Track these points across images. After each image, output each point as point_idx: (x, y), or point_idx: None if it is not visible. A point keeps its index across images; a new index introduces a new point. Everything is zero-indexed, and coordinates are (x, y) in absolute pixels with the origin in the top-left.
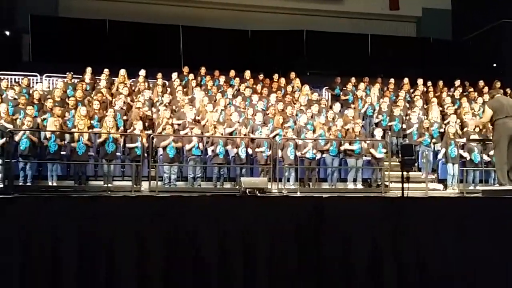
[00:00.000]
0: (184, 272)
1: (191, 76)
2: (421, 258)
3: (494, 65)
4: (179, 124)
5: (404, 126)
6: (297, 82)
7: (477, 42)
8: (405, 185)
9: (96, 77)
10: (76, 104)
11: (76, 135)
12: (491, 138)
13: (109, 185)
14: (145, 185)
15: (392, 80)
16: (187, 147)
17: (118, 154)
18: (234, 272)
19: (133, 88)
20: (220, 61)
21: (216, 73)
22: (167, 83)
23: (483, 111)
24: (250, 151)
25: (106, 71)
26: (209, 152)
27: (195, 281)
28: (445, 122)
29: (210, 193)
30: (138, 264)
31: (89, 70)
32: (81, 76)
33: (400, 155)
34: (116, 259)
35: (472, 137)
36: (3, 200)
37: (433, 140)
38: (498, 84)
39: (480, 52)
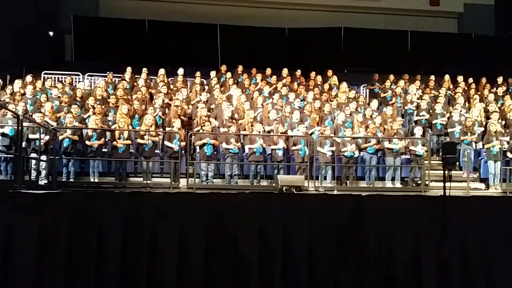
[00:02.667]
0: (224, 267)
1: (229, 74)
2: (464, 258)
3: None
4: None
5: (445, 123)
6: (334, 79)
7: None
8: (447, 184)
9: (136, 76)
10: (116, 103)
11: (117, 133)
12: None
13: (148, 181)
14: (183, 182)
15: (432, 77)
16: (225, 145)
17: (157, 151)
18: (273, 269)
19: (171, 86)
20: (257, 59)
21: (253, 71)
22: (205, 81)
23: None
24: (287, 148)
25: (144, 70)
26: (246, 150)
27: (235, 276)
28: (488, 119)
29: (247, 190)
30: (179, 257)
31: (129, 69)
32: (121, 75)
33: (441, 153)
34: (158, 253)
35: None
36: (49, 195)
37: (474, 138)
38: None
39: None
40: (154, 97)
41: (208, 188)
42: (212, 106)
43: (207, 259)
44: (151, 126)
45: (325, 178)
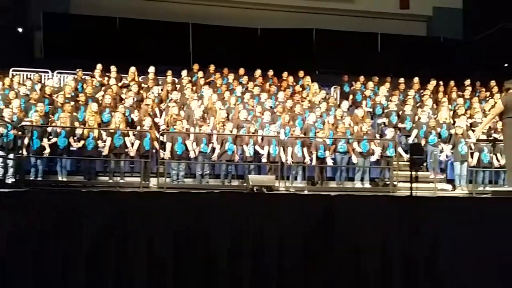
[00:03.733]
0: (194, 267)
1: (200, 73)
2: (430, 258)
3: (506, 65)
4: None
5: (413, 125)
6: (307, 80)
7: (488, 42)
8: (414, 184)
9: (106, 74)
10: (86, 100)
11: (86, 131)
12: (501, 138)
13: (120, 180)
14: (153, 181)
15: (402, 80)
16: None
17: (126, 150)
18: (243, 269)
19: (142, 85)
20: (229, 59)
21: (225, 71)
22: (176, 80)
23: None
24: (258, 148)
25: (113, 68)
26: (217, 150)
27: (204, 277)
28: (455, 122)
29: (218, 189)
30: (148, 257)
31: (99, 66)
32: (91, 73)
33: (409, 155)
34: (126, 253)
35: (482, 137)
36: (16, 194)
37: (440, 140)
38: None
39: (491, 52)
40: (125, 95)
41: (178, 188)
42: (184, 106)
43: (177, 259)
44: (120, 124)
45: (295, 178)
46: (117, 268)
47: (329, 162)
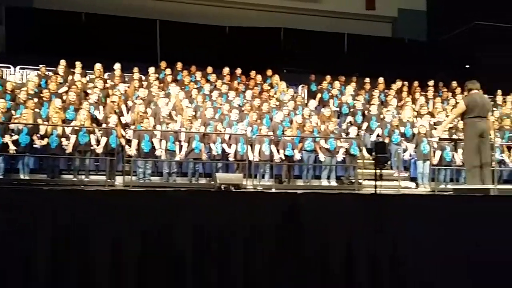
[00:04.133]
0: (158, 266)
1: (168, 71)
2: (394, 255)
3: (467, 66)
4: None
5: (378, 125)
6: (275, 78)
7: (451, 44)
8: (378, 182)
9: (71, 70)
10: (50, 97)
11: (49, 128)
12: (462, 137)
13: (85, 178)
14: (119, 179)
15: (367, 80)
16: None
17: (92, 147)
18: (209, 267)
19: (108, 82)
20: (197, 57)
21: (193, 68)
22: (143, 77)
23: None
24: (225, 147)
25: (78, 63)
26: (184, 148)
27: (169, 276)
28: (418, 121)
29: (185, 188)
30: (112, 258)
31: (63, 62)
32: (55, 69)
33: (373, 153)
34: (89, 252)
35: (444, 136)
36: None
37: (406, 139)
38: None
39: (454, 54)
40: (89, 92)
41: (145, 186)
42: (151, 103)
43: (141, 257)
44: (85, 120)
45: (263, 177)
46: (80, 269)
47: (297, 156)
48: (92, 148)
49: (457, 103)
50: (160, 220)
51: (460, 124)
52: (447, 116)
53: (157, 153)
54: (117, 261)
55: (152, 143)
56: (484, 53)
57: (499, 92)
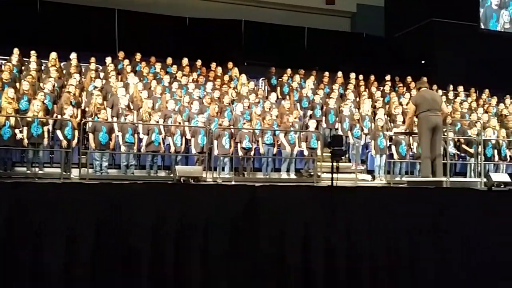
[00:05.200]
0: (114, 261)
1: (126, 61)
2: (348, 244)
3: (423, 62)
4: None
5: (337, 118)
6: (235, 71)
7: (407, 39)
8: (335, 175)
9: (25, 59)
10: (2, 87)
11: (2, 119)
12: (416, 131)
13: (39, 171)
14: (75, 172)
15: (326, 74)
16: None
17: (46, 139)
18: (166, 261)
19: (64, 71)
20: (156, 48)
21: (152, 59)
22: (100, 67)
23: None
24: (185, 139)
25: (33, 53)
26: (144, 140)
27: (125, 270)
28: (375, 115)
29: (142, 180)
30: (65, 252)
31: (16, 51)
32: (9, 58)
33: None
34: (43, 247)
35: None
36: None
37: (364, 132)
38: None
39: (410, 49)
40: (44, 82)
41: (102, 179)
42: (108, 93)
43: (96, 251)
44: (39, 111)
45: (223, 169)
46: (32, 263)
47: (261, 150)
48: (46, 140)
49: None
50: (116, 213)
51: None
52: (403, 110)
53: (112, 145)
54: (71, 255)
55: (109, 135)
56: (439, 49)
57: (451, 87)
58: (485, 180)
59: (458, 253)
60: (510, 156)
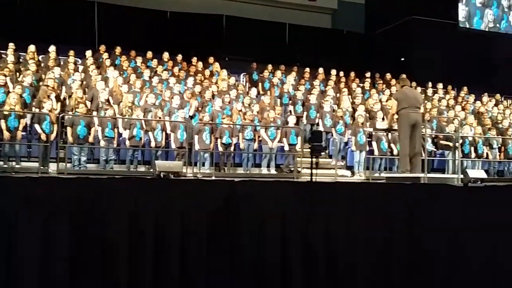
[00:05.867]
0: (91, 256)
1: (106, 55)
2: (327, 240)
3: (402, 59)
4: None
5: (318, 114)
6: (216, 66)
7: (387, 37)
8: (314, 170)
9: (2, 51)
10: None
11: None
12: (396, 128)
13: (16, 165)
14: (53, 167)
15: (307, 70)
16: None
17: (23, 133)
18: (144, 257)
19: (42, 64)
20: (137, 42)
21: (133, 53)
22: (80, 61)
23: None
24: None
25: (11, 45)
26: (124, 135)
27: (103, 266)
28: (355, 111)
29: (121, 175)
30: (42, 247)
31: None
32: None
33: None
34: (18, 242)
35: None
36: None
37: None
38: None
39: (390, 46)
40: (22, 75)
41: (80, 174)
42: (87, 87)
43: (73, 247)
44: (16, 105)
45: (203, 164)
46: (7, 258)
47: (242, 145)
48: (23, 134)
49: (391, 94)
50: (93, 209)
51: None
52: (382, 107)
53: (91, 139)
54: (47, 250)
55: (88, 129)
56: (419, 47)
57: (430, 84)
58: (462, 176)
59: (434, 247)
60: (486, 153)
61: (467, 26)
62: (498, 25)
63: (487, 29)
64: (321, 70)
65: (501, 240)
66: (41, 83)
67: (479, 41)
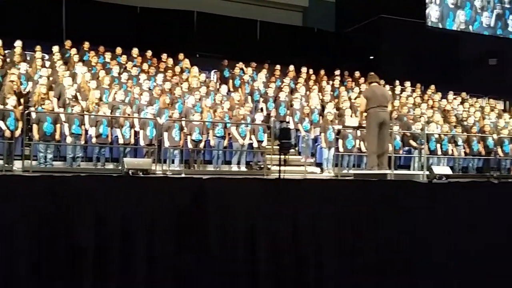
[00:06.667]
0: (57, 255)
1: (74, 51)
2: (295, 236)
3: (371, 57)
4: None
5: (288, 111)
6: (186, 62)
7: (357, 35)
8: (286, 167)
9: None
10: None
11: None
12: (364, 125)
13: None
14: (18, 164)
15: (278, 67)
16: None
17: None
18: (111, 255)
19: (7, 60)
20: (106, 37)
21: (101, 49)
22: (46, 56)
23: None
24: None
25: None
26: (92, 132)
27: (69, 265)
28: (324, 109)
29: (86, 173)
30: (6, 247)
31: None
32: None
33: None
34: None
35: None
36: None
37: (313, 126)
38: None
39: (360, 45)
40: None
41: (46, 171)
42: (54, 84)
43: (38, 246)
44: None
45: (173, 162)
46: None
47: (212, 142)
48: None
49: (360, 92)
50: (59, 207)
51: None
52: (351, 105)
53: (58, 136)
54: (10, 250)
55: (54, 126)
56: (387, 45)
57: (397, 82)
58: (427, 172)
59: (399, 242)
60: (452, 150)
61: (440, 26)
62: (470, 26)
63: (459, 29)
64: (291, 67)
65: (462, 235)
66: (5, 79)
67: (447, 40)
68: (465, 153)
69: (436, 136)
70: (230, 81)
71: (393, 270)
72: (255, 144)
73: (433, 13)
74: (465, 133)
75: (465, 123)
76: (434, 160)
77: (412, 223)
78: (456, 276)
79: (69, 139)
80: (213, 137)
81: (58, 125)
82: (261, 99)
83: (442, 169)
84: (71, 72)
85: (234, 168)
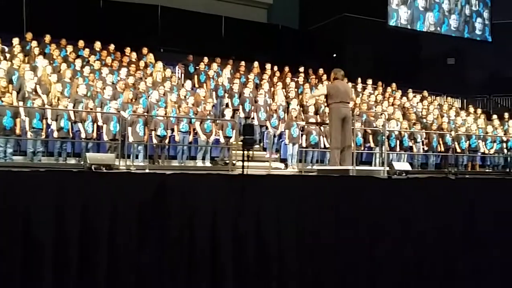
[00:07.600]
0: (15, 253)
1: (34, 43)
2: (258, 231)
3: (334, 55)
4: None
5: (252, 107)
6: (150, 57)
7: (321, 33)
8: (250, 163)
9: None
10: None
11: None
12: (327, 121)
13: None
14: None
15: (243, 63)
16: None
17: None
18: (70, 253)
19: None
20: (68, 30)
21: (63, 42)
22: (6, 49)
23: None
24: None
25: None
26: (53, 126)
27: (27, 262)
28: (288, 105)
29: (45, 168)
30: None
31: None
32: None
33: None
34: None
35: (311, 120)
36: None
37: (280, 122)
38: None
39: (323, 42)
40: None
41: (5, 166)
42: (13, 76)
43: None
44: None
45: (136, 157)
46: None
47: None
48: None
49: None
50: (16, 203)
51: (327, 110)
52: (315, 102)
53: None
54: None
55: (14, 120)
56: (350, 44)
57: (359, 80)
58: (388, 168)
59: (360, 237)
60: (411, 146)
61: (409, 27)
62: (439, 28)
63: (428, 31)
64: (256, 64)
65: (419, 226)
66: None
67: (407, 39)
68: (424, 150)
69: (396, 133)
70: (195, 76)
71: (353, 264)
72: (222, 140)
73: (402, 15)
74: (424, 130)
75: (424, 120)
76: (394, 156)
77: (372, 218)
78: (412, 260)
79: (29, 134)
80: (178, 132)
81: (18, 119)
82: (226, 95)
83: (402, 165)
84: (32, 65)
85: (199, 163)
